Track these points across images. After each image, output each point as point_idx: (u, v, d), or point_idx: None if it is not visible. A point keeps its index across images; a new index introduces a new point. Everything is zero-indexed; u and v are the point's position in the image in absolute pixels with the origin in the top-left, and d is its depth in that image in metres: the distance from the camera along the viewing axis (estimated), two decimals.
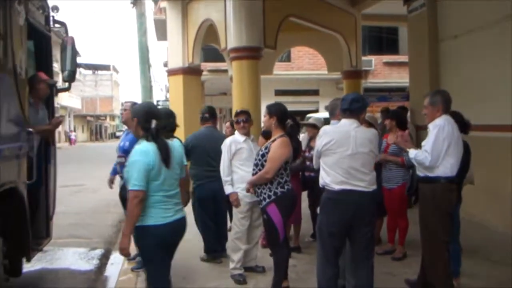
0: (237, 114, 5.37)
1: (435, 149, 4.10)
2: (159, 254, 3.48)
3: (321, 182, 4.00)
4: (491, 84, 7.21)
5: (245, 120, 5.25)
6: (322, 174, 3.99)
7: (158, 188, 3.40)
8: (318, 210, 4.07)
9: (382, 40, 21.69)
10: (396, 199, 5.74)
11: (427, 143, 4.15)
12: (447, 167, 4.15)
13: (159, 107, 5.33)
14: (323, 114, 18.06)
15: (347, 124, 3.95)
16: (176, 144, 3.75)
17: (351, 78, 12.43)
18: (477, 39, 7.60)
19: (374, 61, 21.20)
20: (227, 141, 5.25)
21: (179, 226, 3.53)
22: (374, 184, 3.95)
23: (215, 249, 5.95)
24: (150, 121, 3.44)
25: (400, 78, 20.64)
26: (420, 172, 4.33)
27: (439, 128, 4.12)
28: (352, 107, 3.95)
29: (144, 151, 3.38)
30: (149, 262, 3.56)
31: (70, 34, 5.35)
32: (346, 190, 3.83)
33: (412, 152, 4.29)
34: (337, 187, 3.84)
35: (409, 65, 9.94)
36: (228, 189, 5.17)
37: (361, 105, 4.00)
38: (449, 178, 4.18)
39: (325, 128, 4.12)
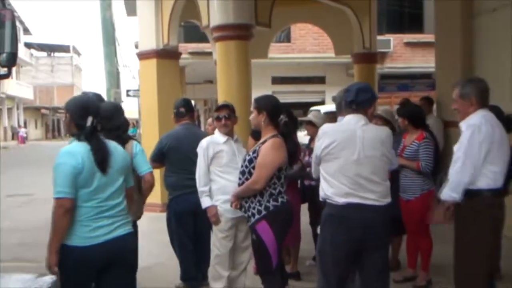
0: (218, 109, 5.21)
1: (471, 157, 3.98)
2: (79, 278, 3.51)
3: (321, 194, 3.90)
4: None
5: (227, 117, 5.06)
6: (322, 184, 3.89)
7: (88, 197, 3.42)
8: (318, 229, 3.97)
9: (404, 16, 21.69)
10: (415, 214, 5.64)
11: (459, 149, 4.05)
12: (489, 177, 4.03)
13: (102, 100, 5.19)
14: (331, 106, 18.08)
15: (352, 122, 3.85)
16: (118, 148, 3.75)
17: (363, 63, 12.39)
18: None
19: (393, 41, 21.15)
20: (204, 142, 5.05)
21: (118, 245, 3.53)
22: (387, 197, 3.85)
23: (193, 276, 5.86)
24: (86, 118, 3.50)
25: (425, 62, 20.63)
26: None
27: (473, 129, 4.00)
28: (358, 99, 3.85)
29: (71, 152, 3.43)
30: (66, 285, 3.56)
31: (9, 6, 5.22)
32: (352, 204, 3.73)
33: (446, 193, 4.15)
34: (341, 200, 3.74)
35: (435, 46, 9.88)
36: (205, 202, 5.00)
37: (370, 97, 3.91)
38: (493, 190, 4.06)
39: (324, 128, 3.97)
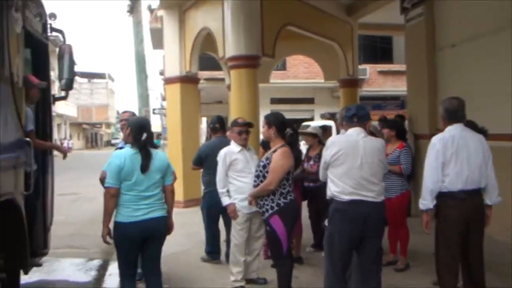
0: (242, 125, 5.22)
1: (430, 169, 3.97)
2: (125, 249, 3.95)
3: (328, 193, 3.88)
4: (490, 93, 7.12)
5: (247, 132, 5.17)
6: (330, 185, 3.86)
7: (129, 187, 3.87)
8: (326, 222, 3.94)
9: (377, 49, 21.70)
10: (395, 209, 5.61)
11: (425, 164, 4.04)
12: (445, 182, 3.96)
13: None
14: (319, 122, 18.08)
15: (354, 134, 3.84)
16: (160, 154, 4.13)
17: (348, 87, 12.35)
18: (475, 47, 7.52)
19: (369, 70, 21.18)
20: (222, 152, 5.14)
21: (150, 224, 3.90)
22: (382, 195, 3.85)
23: (216, 250, 6.21)
24: (142, 134, 3.97)
25: (394, 87, 20.72)
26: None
27: (431, 147, 4.02)
28: (359, 113, 3.87)
29: (118, 154, 3.95)
30: (118, 252, 4.06)
31: (67, 42, 5.21)
32: (355, 200, 3.72)
33: (420, 204, 4.06)
34: (346, 198, 3.73)
35: (406, 74, 9.82)
36: (225, 201, 5.05)
37: (366, 113, 3.94)
38: (448, 193, 3.97)
39: (332, 139, 4.04)
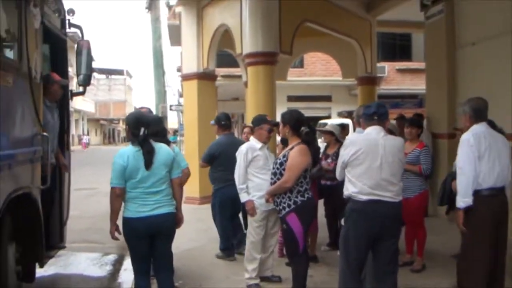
0: (272, 124, 5.22)
1: (468, 163, 3.87)
2: (134, 244, 3.94)
3: (345, 193, 3.84)
4: (510, 92, 6.99)
5: (273, 131, 5.19)
6: (347, 185, 3.81)
7: (135, 185, 3.84)
8: (342, 221, 3.89)
9: (395, 47, 21.49)
10: (414, 209, 5.53)
11: (458, 162, 3.96)
12: (479, 180, 3.91)
13: (152, 113, 5.49)
14: (336, 120, 17.98)
15: (374, 133, 3.79)
16: (163, 148, 4.05)
17: (366, 85, 12.22)
18: (496, 46, 7.39)
19: (387, 67, 20.97)
20: (243, 148, 5.08)
21: (156, 220, 3.87)
22: (400, 195, 3.79)
23: (229, 247, 6.24)
24: (139, 129, 3.88)
25: (413, 85, 20.48)
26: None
27: (463, 143, 3.93)
28: (379, 111, 3.82)
29: (121, 153, 3.89)
30: (129, 248, 4.06)
31: (85, 38, 5.23)
32: (373, 200, 3.67)
33: (458, 202, 3.97)
34: (364, 197, 3.68)
35: (426, 72, 9.69)
36: (244, 197, 5.00)
37: (386, 110, 3.89)
38: (480, 189, 3.92)
39: (351, 138, 4.02)
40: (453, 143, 7.22)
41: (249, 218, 5.08)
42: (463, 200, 3.93)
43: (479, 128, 3.99)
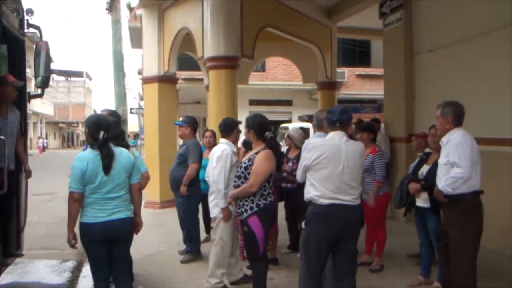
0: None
1: (465, 160, 3.95)
2: (92, 249, 3.87)
3: (307, 196, 3.87)
4: (466, 97, 7.19)
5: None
6: (309, 188, 3.86)
7: (93, 190, 3.77)
8: (302, 224, 3.95)
9: (355, 53, 21.91)
10: (374, 211, 5.67)
11: (453, 156, 3.99)
12: (473, 183, 4.04)
13: (116, 114, 5.39)
14: (297, 124, 18.13)
15: (337, 138, 3.84)
16: (124, 153, 3.99)
17: (326, 89, 12.41)
18: (452, 53, 7.66)
19: (347, 73, 21.36)
20: (223, 152, 4.88)
21: (114, 225, 3.82)
22: (359, 199, 3.87)
23: (199, 248, 6.42)
24: (99, 132, 3.82)
25: (372, 90, 20.91)
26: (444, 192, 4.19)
27: (459, 141, 4.01)
28: (342, 118, 3.85)
29: (80, 158, 3.80)
30: (87, 254, 3.98)
31: (44, 38, 5.12)
32: (334, 204, 3.73)
33: (441, 185, 4.06)
34: (326, 201, 3.73)
35: (384, 78, 9.92)
36: (223, 203, 4.83)
37: (350, 117, 3.92)
38: (477, 192, 4.09)
39: (314, 142, 3.99)
40: (410, 147, 7.40)
41: (222, 224, 4.95)
42: (448, 190, 4.02)
43: (464, 132, 4.10)
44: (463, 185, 4.01)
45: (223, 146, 4.97)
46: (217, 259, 5.01)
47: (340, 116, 3.84)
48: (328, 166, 3.74)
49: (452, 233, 4.15)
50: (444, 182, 4.02)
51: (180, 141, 6.82)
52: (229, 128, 5.11)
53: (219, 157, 4.86)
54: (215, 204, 4.92)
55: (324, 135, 4.13)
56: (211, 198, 4.99)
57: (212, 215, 5.04)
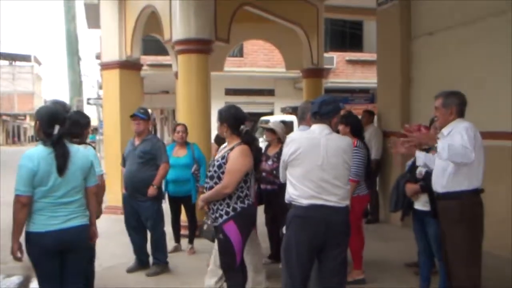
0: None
1: (472, 145, 3.99)
2: (42, 262, 3.77)
3: (287, 197, 3.92)
4: (468, 86, 7.33)
5: None
6: (288, 187, 3.90)
7: (44, 194, 3.68)
8: (283, 229, 3.97)
9: (345, 36, 22.01)
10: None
11: (462, 140, 3.98)
12: (474, 179, 4.16)
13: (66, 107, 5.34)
14: (279, 116, 18.20)
15: (317, 131, 3.89)
16: (81, 151, 3.93)
17: (312, 77, 12.43)
18: (455, 36, 7.72)
19: (336, 58, 21.44)
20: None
21: (68, 234, 3.75)
22: (347, 199, 3.90)
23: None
24: (54, 127, 3.72)
25: (364, 78, 21.04)
26: (440, 188, 4.29)
27: (467, 127, 4.08)
28: (321, 111, 3.89)
29: (29, 156, 3.68)
30: (35, 267, 3.84)
31: None
32: (316, 205, 3.76)
33: (443, 142, 3.97)
34: (305, 202, 3.77)
35: (377, 65, 10.01)
36: None
37: (332, 108, 3.94)
38: (477, 190, 4.20)
39: (292, 135, 4.04)
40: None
41: None
42: (445, 155, 3.96)
43: (469, 123, 4.19)
44: (462, 181, 4.12)
45: None
46: (212, 267, 5.22)
47: (318, 108, 3.89)
48: (305, 161, 3.78)
49: (451, 235, 4.25)
50: (443, 144, 3.93)
51: None
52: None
53: None
54: None
55: (308, 129, 4.17)
56: None
57: None
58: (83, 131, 5.02)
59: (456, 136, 4.06)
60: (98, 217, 4.88)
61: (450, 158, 3.95)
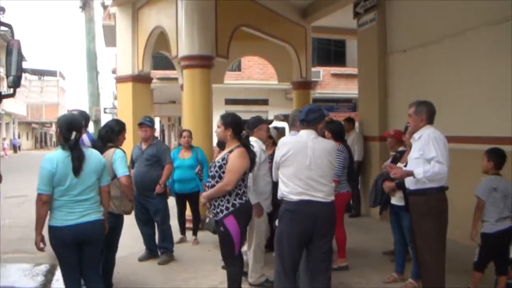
0: (269, 123, 5.57)
1: (445, 157, 4.06)
2: (63, 253, 3.81)
3: (279, 194, 3.93)
4: (438, 97, 7.31)
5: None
6: (280, 185, 3.91)
7: (62, 193, 3.71)
8: (276, 222, 3.96)
9: (330, 52, 21.99)
10: None
11: (436, 155, 4.04)
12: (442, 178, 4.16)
13: (85, 115, 5.47)
14: (273, 123, 18.13)
15: (305, 136, 3.92)
16: (94, 154, 3.96)
17: (301, 89, 12.42)
18: (425, 53, 7.76)
19: (322, 72, 21.42)
20: (255, 148, 4.85)
21: (84, 228, 3.77)
22: (332, 195, 3.90)
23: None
24: (71, 133, 3.76)
25: (347, 90, 21.00)
26: (411, 185, 4.28)
27: (436, 137, 4.10)
28: (308, 118, 3.92)
29: (49, 159, 3.72)
30: (57, 258, 3.90)
31: (16, 37, 5.00)
32: (304, 200, 3.76)
33: (420, 172, 4.07)
34: (295, 198, 3.78)
35: (358, 78, 10.02)
36: (254, 199, 4.94)
37: (317, 116, 3.96)
38: (443, 187, 4.21)
39: (283, 139, 4.09)
40: (383, 146, 7.49)
41: (257, 220, 5.09)
42: (427, 181, 4.08)
43: (436, 129, 4.23)
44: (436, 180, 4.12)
45: (255, 143, 5.02)
46: (255, 254, 5.18)
47: (305, 116, 3.93)
48: (295, 162, 3.81)
49: (419, 226, 4.26)
50: (423, 173, 4.05)
51: None
52: (251, 127, 5.30)
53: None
54: None
55: (296, 134, 4.17)
56: None
57: None
58: (117, 136, 5.06)
59: (428, 148, 4.10)
60: (129, 212, 4.98)
61: (430, 181, 4.09)
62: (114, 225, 4.68)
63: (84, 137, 5.25)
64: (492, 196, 4.52)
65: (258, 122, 5.39)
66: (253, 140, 5.06)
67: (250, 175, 4.72)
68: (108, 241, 4.58)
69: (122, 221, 5.01)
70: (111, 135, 5.02)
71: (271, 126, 6.83)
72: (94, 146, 4.92)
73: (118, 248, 5.12)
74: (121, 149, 4.88)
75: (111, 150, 4.78)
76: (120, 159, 4.72)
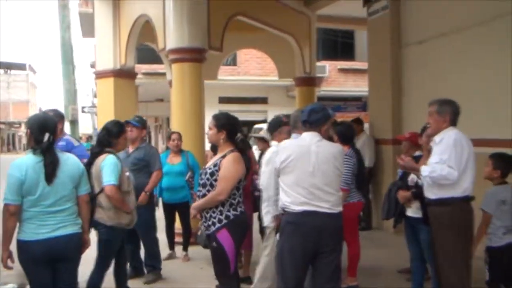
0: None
1: (458, 163, 4.09)
2: (33, 271, 3.77)
3: (280, 204, 3.93)
4: (459, 94, 7.34)
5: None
6: (281, 195, 3.91)
7: (32, 203, 3.65)
8: (277, 236, 3.96)
9: (337, 45, 22.03)
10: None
11: (447, 158, 4.10)
12: (465, 186, 4.19)
13: (60, 115, 5.42)
14: None
15: (307, 138, 3.91)
16: (71, 159, 3.91)
17: (304, 86, 12.43)
18: (445, 45, 7.74)
19: (328, 67, 21.44)
20: (271, 154, 4.94)
21: (58, 243, 3.72)
22: (339, 206, 3.90)
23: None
24: (44, 134, 3.70)
25: (356, 87, 21.03)
26: (432, 194, 4.31)
27: (455, 140, 4.14)
28: (310, 119, 3.92)
29: (18, 164, 3.66)
30: (27, 276, 3.85)
31: None
32: (308, 211, 3.76)
33: (426, 169, 4.17)
34: (297, 208, 3.77)
35: (368, 73, 10.02)
36: (276, 210, 4.85)
37: (321, 116, 3.96)
38: (468, 197, 4.24)
39: (283, 144, 4.08)
40: (397, 150, 7.48)
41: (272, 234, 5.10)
42: (430, 181, 4.18)
43: (459, 132, 4.25)
44: (454, 188, 4.16)
45: (273, 148, 5.02)
46: (264, 272, 5.20)
47: (308, 116, 3.92)
48: (296, 168, 3.80)
49: (441, 240, 4.28)
50: (429, 172, 4.14)
51: None
52: (272, 130, 5.30)
53: (268, 160, 4.96)
54: (267, 212, 5.01)
55: (299, 137, 4.17)
56: (263, 205, 5.07)
57: (264, 224, 5.17)
58: (117, 139, 4.96)
59: (445, 151, 4.15)
60: (129, 225, 4.94)
61: (434, 183, 4.18)
62: (106, 237, 4.70)
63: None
64: (500, 209, 4.53)
65: (279, 124, 5.32)
66: (274, 144, 5.09)
67: (272, 183, 4.71)
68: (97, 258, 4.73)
69: (118, 234, 4.86)
70: (108, 138, 4.89)
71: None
72: (91, 151, 4.95)
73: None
74: (115, 154, 4.79)
75: (102, 156, 4.70)
76: (108, 165, 4.61)
